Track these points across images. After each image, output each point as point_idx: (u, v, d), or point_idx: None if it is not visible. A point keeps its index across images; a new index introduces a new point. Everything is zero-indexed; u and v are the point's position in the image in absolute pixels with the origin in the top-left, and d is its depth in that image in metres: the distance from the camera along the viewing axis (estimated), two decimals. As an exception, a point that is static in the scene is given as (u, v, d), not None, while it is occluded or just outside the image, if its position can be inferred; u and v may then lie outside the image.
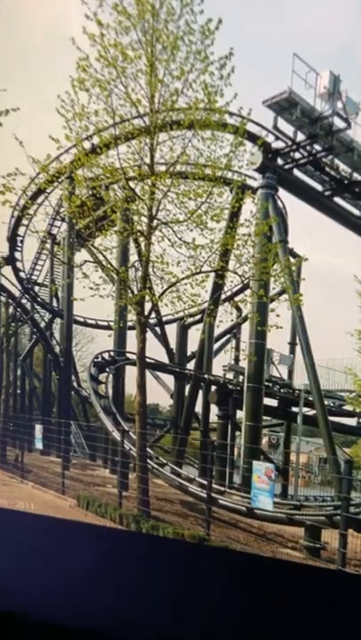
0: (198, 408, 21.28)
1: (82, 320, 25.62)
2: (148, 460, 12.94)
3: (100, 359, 19.76)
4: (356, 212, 19.34)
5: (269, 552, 10.58)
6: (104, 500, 12.35)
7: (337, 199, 18.95)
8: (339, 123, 16.51)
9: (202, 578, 1.61)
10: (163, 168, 10.89)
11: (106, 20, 9.73)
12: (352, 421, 23.69)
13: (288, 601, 1.51)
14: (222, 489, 13.84)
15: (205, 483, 11.50)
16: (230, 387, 20.61)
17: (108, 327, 23.33)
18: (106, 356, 19.94)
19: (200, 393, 20.52)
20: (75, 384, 25.20)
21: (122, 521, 11.01)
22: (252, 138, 14.20)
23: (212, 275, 12.56)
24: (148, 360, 13.54)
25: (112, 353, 20.00)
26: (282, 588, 1.55)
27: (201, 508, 11.96)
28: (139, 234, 11.25)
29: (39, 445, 16.92)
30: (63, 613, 1.60)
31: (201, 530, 10.71)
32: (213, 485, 11.89)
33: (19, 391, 26.01)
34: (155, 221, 10.75)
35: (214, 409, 20.74)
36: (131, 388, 21.30)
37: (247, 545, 10.76)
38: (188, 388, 21.15)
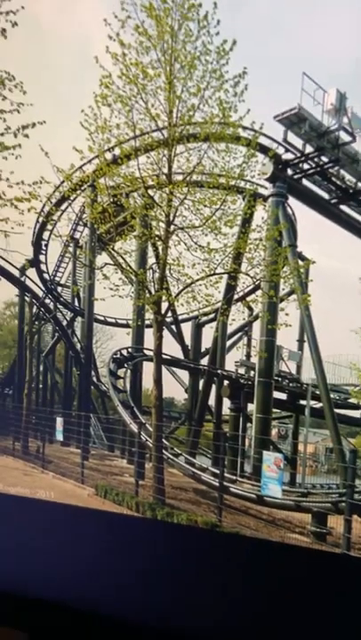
0: (211, 401, 21.29)
1: (102, 319, 25.71)
2: (164, 451, 12.98)
3: (118, 355, 19.82)
4: (360, 218, 19.20)
5: (278, 537, 10.59)
6: (121, 489, 12.37)
7: (343, 207, 18.84)
8: (345, 136, 16.50)
9: (214, 562, 1.63)
10: (180, 177, 10.95)
11: (128, 41, 9.82)
12: (357, 413, 23.52)
13: (296, 583, 1.54)
14: (234, 477, 13.82)
15: (218, 472, 11.49)
16: (242, 381, 20.57)
17: (126, 325, 23.38)
18: (124, 352, 20.01)
19: (213, 387, 20.51)
20: (94, 379, 25.29)
21: (138, 508, 11.03)
22: (264, 150, 14.21)
23: (226, 276, 12.54)
24: (164, 356, 13.58)
25: (130, 350, 20.06)
26: (290, 571, 1.57)
27: (213, 496, 11.96)
28: (157, 238, 11.30)
29: (60, 437, 16.96)
30: (82, 598, 1.62)
31: (213, 516, 10.70)
32: (225, 474, 11.88)
33: (41, 386, 26.10)
34: (172, 227, 10.81)
35: (227, 402, 20.72)
36: (148, 382, 21.36)
37: (257, 531, 10.74)
38: (201, 382, 21.18)
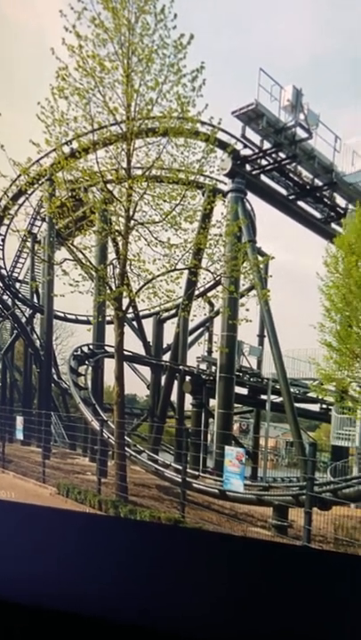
0: (174, 397, 21.36)
1: (62, 315, 25.41)
2: (126, 448, 12.95)
3: (79, 352, 19.64)
4: (317, 214, 19.61)
5: (240, 531, 10.66)
6: (84, 487, 12.26)
7: (300, 203, 19.19)
8: (301, 133, 16.82)
9: (177, 557, 1.63)
10: (139, 172, 10.91)
11: (84, 33, 9.69)
12: (316, 407, 24.05)
13: (258, 576, 1.55)
14: (196, 473, 13.89)
15: (180, 468, 11.53)
16: (204, 377, 20.72)
17: (87, 322, 23.17)
18: (85, 349, 19.84)
19: (175, 383, 20.58)
20: (55, 377, 24.99)
21: (101, 507, 10.96)
22: (223, 145, 14.30)
23: (186, 272, 12.59)
24: (125, 353, 13.54)
25: (91, 346, 19.91)
26: (252, 564, 1.58)
27: (176, 492, 11.97)
28: (117, 233, 11.23)
29: (20, 436, 16.68)
30: (43, 598, 1.61)
31: (176, 512, 10.73)
32: (188, 470, 11.93)
33: (0, 384, 25.63)
34: (132, 222, 10.76)
35: (189, 398, 20.84)
36: (109, 379, 21.26)
37: (220, 525, 10.81)
38: (163, 378, 21.21)
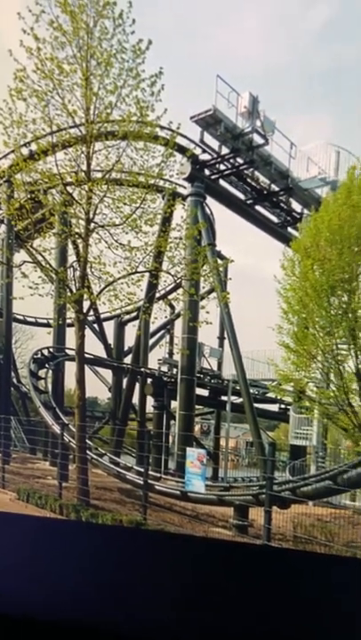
0: (135, 400, 21.30)
1: (21, 318, 24.97)
2: (88, 451, 12.83)
3: (39, 356, 19.38)
4: (274, 219, 19.96)
5: (202, 532, 10.67)
6: (44, 492, 12.06)
7: (258, 207, 19.50)
8: (258, 139, 17.10)
9: (139, 560, 1.62)
10: (99, 175, 10.86)
11: (42, 35, 9.60)
12: (275, 407, 24.43)
13: (220, 576, 1.55)
14: (158, 475, 13.90)
15: (142, 470, 11.49)
16: (165, 379, 20.75)
17: (47, 325, 22.85)
18: (45, 352, 19.58)
19: (137, 385, 20.52)
20: (14, 380, 24.53)
21: (62, 511, 10.81)
22: (182, 150, 14.40)
23: (147, 274, 12.59)
24: (86, 356, 13.42)
25: (51, 349, 19.66)
26: (213, 565, 1.58)
27: (138, 495, 11.92)
28: (77, 236, 11.13)
29: (-22, 441, 16.27)
30: (5, 604, 1.59)
31: (138, 515, 10.68)
32: (150, 472, 11.91)
33: None
34: (92, 224, 10.69)
35: (150, 400, 20.83)
36: (70, 382, 21.04)
37: (181, 527, 10.79)
38: (125, 381, 21.12)
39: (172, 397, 20.01)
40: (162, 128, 11.25)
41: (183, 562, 1.56)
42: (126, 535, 1.91)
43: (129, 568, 1.56)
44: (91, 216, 10.63)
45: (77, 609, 1.49)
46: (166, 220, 13.47)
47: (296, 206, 19.87)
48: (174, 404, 19.77)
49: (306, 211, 18.50)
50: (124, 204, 10.87)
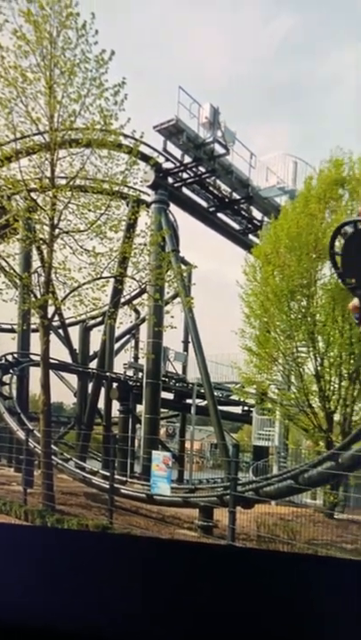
0: (101, 404, 21.15)
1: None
2: (53, 457, 12.67)
3: (3, 361, 19.01)
4: (235, 226, 20.22)
5: (168, 534, 10.65)
6: (9, 498, 11.82)
7: (220, 215, 19.72)
8: (219, 149, 17.34)
9: (105, 564, 1.62)
10: (63, 181, 10.81)
11: (6, 44, 9.54)
12: (238, 409, 24.63)
13: (185, 578, 1.57)
14: (124, 479, 13.81)
15: (108, 474, 11.40)
16: (130, 383, 20.68)
17: (11, 330, 22.43)
18: (10, 358, 19.23)
19: (102, 390, 20.38)
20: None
21: (27, 517, 10.61)
22: (145, 158, 14.46)
23: (112, 280, 12.55)
24: (51, 361, 13.27)
25: (16, 355, 19.32)
26: (179, 566, 1.59)
27: (104, 499, 11.81)
28: (41, 242, 11.02)
29: None
30: None
31: (104, 519, 10.61)
32: (116, 476, 11.83)
33: None
34: (56, 230, 10.61)
35: (116, 404, 20.71)
36: (35, 388, 20.71)
37: (147, 529, 10.77)
38: (90, 386, 20.94)
39: (137, 401, 19.95)
40: (125, 136, 11.29)
41: (149, 564, 1.56)
42: (92, 539, 1.90)
43: (95, 572, 1.55)
44: (55, 222, 10.55)
45: (43, 615, 1.48)
46: (131, 227, 13.48)
47: (257, 214, 20.19)
48: (140, 408, 19.71)
49: (266, 218, 18.82)
50: (89, 210, 10.84)
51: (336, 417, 12.38)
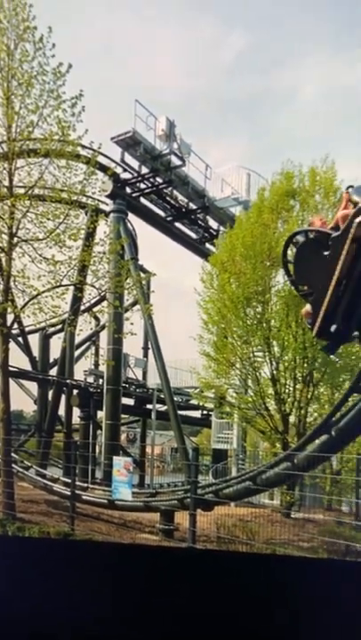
0: (61, 411, 20.82)
1: None
2: (13, 465, 12.39)
3: None
4: (193, 235, 20.38)
5: (130, 539, 10.60)
6: (-32, 509, 11.50)
7: (178, 224, 19.84)
8: (176, 160, 17.48)
9: (67, 571, 1.61)
10: (22, 191, 10.67)
11: None
12: (197, 414, 24.74)
13: (147, 580, 1.58)
14: (85, 485, 13.65)
15: (69, 481, 11.25)
16: (91, 390, 20.46)
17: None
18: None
19: (63, 397, 20.08)
20: None
21: (-13, 526, 10.36)
22: (103, 168, 14.44)
23: (72, 288, 12.43)
24: (11, 369, 13.00)
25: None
26: (141, 570, 1.60)
27: (66, 506, 11.64)
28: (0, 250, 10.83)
29: None
30: None
31: (66, 526, 10.45)
32: (77, 482, 11.68)
33: None
34: (15, 239, 10.46)
35: (77, 411, 20.43)
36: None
37: (109, 535, 10.65)
38: (51, 393, 20.60)
39: (98, 407, 19.74)
40: (83, 147, 11.26)
41: (112, 569, 1.56)
42: (54, 547, 1.89)
43: (58, 579, 1.54)
44: (14, 231, 10.40)
45: (11, 622, 1.46)
46: (90, 235, 13.41)
47: (213, 223, 20.41)
48: (100, 414, 19.51)
49: (222, 228, 19.06)
50: (48, 219, 10.75)
51: (291, 419, 12.61)
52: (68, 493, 11.10)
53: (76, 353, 21.87)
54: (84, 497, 12.00)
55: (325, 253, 6.11)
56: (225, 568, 1.63)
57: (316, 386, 12.40)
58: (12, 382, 14.05)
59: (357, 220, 5.64)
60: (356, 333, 6.57)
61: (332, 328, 6.24)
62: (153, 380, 20.67)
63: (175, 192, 18.79)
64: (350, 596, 1.51)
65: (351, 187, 6.21)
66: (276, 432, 12.54)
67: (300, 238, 6.77)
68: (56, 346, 21.40)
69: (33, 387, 22.91)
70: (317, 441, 8.00)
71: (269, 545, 9.22)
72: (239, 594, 1.56)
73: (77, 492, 11.45)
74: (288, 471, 8.43)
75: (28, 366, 22.46)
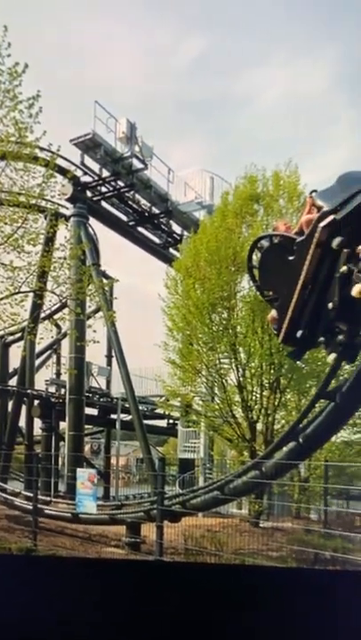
0: (22, 423, 20.33)
1: None
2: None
3: None
4: (156, 240, 20.34)
5: (95, 553, 10.45)
6: None
7: (140, 229, 19.76)
8: (137, 164, 17.42)
9: (30, 587, 1.57)
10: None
11: None
12: (163, 423, 24.63)
13: (113, 596, 1.54)
14: (48, 499, 13.39)
15: (31, 495, 11.00)
16: (53, 400, 20.11)
17: None
18: None
19: (23, 408, 19.62)
20: None
21: None
22: (63, 171, 14.25)
23: (31, 294, 12.19)
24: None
25: None
26: (106, 584, 1.56)
27: (28, 520, 11.39)
28: None
29: None
30: None
31: (28, 541, 10.21)
32: (39, 496, 11.44)
33: None
34: (-30, 244, 10.18)
35: (38, 422, 20.02)
36: None
37: (74, 550, 10.52)
38: (10, 404, 20.12)
39: (60, 418, 19.42)
40: (42, 149, 11.08)
41: (76, 585, 1.52)
42: (16, 564, 1.82)
43: (20, 596, 1.49)
44: (-31, 236, 10.13)
45: None
46: (49, 240, 13.21)
47: (176, 228, 20.39)
48: (63, 425, 19.18)
49: (186, 232, 19.08)
50: (5, 223, 10.52)
51: (259, 426, 12.65)
52: (30, 508, 10.90)
53: (37, 362, 21.50)
54: (46, 511, 11.87)
55: (290, 258, 6.14)
56: (192, 580, 1.60)
57: (283, 392, 12.47)
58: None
59: (321, 224, 5.68)
60: (321, 339, 6.61)
61: (298, 334, 6.27)
62: (117, 389, 20.46)
63: (137, 196, 18.72)
64: (317, 605, 1.50)
65: (315, 191, 6.27)
66: (243, 440, 12.56)
67: (265, 243, 6.80)
68: (15, 355, 20.92)
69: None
70: (285, 448, 8.03)
71: (238, 555, 9.21)
72: (209, 606, 1.53)
73: (40, 506, 11.29)
74: (256, 480, 8.43)
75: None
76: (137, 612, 1.50)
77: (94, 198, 17.78)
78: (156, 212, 19.26)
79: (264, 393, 12.44)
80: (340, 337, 6.06)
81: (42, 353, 23.21)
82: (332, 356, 6.46)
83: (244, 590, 1.55)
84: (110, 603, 1.50)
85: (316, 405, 7.69)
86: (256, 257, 7.24)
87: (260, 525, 11.75)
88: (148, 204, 19.11)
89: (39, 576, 1.58)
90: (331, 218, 5.67)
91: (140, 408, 18.47)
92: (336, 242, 5.66)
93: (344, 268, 5.65)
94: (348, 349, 6.32)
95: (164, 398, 17.51)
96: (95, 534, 11.66)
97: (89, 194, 17.68)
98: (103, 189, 17.78)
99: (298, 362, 10.43)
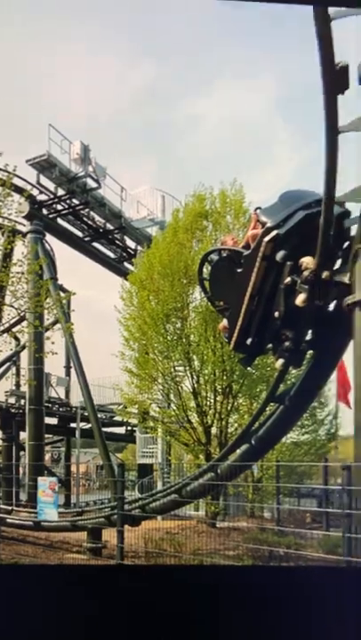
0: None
1: None
2: None
3: None
4: (111, 254, 20.26)
5: (57, 559, 10.28)
6: None
7: (96, 244, 19.64)
8: (91, 183, 17.40)
9: None
10: None
11: None
12: (122, 430, 24.40)
13: (76, 601, 1.52)
14: (9, 508, 13.00)
15: (-8, 506, 10.67)
16: (13, 410, 19.59)
17: None
18: None
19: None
20: None
21: None
22: (19, 190, 14.03)
23: (-11, 309, 11.89)
24: None
25: None
26: (69, 590, 1.54)
27: (-11, 530, 11.02)
28: None
29: None
30: None
31: (-10, 551, 9.89)
32: (0, 506, 11.11)
33: None
34: None
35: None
36: None
37: (36, 557, 10.31)
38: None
39: (21, 428, 18.92)
40: (-2, 170, 10.88)
41: (39, 592, 1.49)
42: None
43: None
44: None
45: None
46: (7, 256, 12.97)
47: (130, 243, 20.41)
48: (24, 435, 18.67)
49: (139, 247, 19.13)
50: None
51: (213, 430, 12.73)
52: (-9, 518, 10.55)
53: (-4, 374, 20.85)
54: (8, 520, 11.53)
55: (238, 271, 6.26)
56: (153, 583, 1.59)
57: (235, 397, 12.61)
58: None
59: (266, 238, 5.84)
60: (270, 346, 6.76)
61: (248, 341, 6.39)
62: (76, 399, 20.16)
63: (92, 213, 18.64)
64: (317, 603, 1.50)
65: (259, 208, 6.44)
66: (199, 444, 12.60)
67: (215, 257, 6.93)
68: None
69: None
70: (239, 450, 8.13)
71: (197, 556, 9.19)
72: (172, 609, 1.52)
73: (1, 515, 10.97)
74: (212, 482, 8.49)
75: None
76: (98, 615, 1.48)
77: (50, 215, 17.59)
78: (111, 228, 19.22)
79: (218, 398, 12.55)
80: (287, 344, 6.22)
81: (1, 365, 22.54)
82: (279, 362, 6.62)
83: (204, 590, 1.55)
84: (74, 607, 1.48)
85: (267, 409, 7.82)
86: (206, 270, 7.36)
87: (217, 526, 11.79)
88: (103, 221, 19.06)
89: (1, 584, 1.55)
90: (274, 233, 5.85)
91: (99, 416, 18.23)
92: (280, 255, 5.83)
93: (288, 280, 5.83)
94: (295, 355, 6.50)
95: (122, 406, 17.35)
96: (57, 541, 11.46)
97: (45, 211, 17.48)
98: (59, 207, 17.63)
99: (248, 368, 10.60)
